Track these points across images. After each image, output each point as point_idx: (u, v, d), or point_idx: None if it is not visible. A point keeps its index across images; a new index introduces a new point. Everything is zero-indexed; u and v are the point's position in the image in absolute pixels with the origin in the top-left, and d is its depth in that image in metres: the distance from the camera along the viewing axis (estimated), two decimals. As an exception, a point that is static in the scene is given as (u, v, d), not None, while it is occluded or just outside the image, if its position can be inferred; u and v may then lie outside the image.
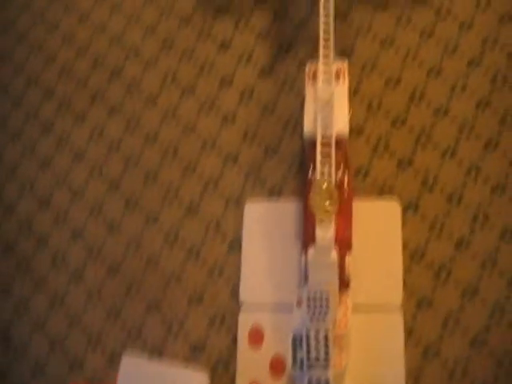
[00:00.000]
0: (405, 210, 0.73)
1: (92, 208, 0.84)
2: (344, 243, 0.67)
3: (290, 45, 0.85)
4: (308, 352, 0.59)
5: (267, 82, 0.84)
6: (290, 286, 0.71)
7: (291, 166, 0.78)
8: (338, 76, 0.72)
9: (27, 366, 0.79)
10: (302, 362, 0.59)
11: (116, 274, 0.80)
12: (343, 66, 0.74)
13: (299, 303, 0.65)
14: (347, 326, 0.65)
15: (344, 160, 0.70)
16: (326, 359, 0.59)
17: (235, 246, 0.76)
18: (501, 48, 0.78)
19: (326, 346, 0.59)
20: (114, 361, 0.75)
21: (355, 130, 0.77)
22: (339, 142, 0.68)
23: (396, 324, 0.68)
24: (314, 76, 0.72)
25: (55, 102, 0.92)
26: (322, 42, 0.71)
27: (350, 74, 0.73)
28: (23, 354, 0.80)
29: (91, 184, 0.85)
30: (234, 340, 0.72)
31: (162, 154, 0.83)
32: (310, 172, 0.68)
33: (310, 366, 0.59)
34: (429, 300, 0.70)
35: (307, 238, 0.67)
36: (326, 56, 0.71)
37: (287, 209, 0.75)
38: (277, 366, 0.69)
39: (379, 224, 0.72)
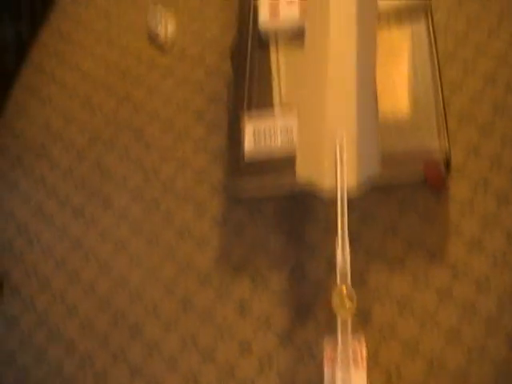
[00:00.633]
0: None
1: None
2: None
3: (309, 307, 0.88)
4: None
5: (286, 350, 0.86)
6: None
7: None
8: (355, 361, 0.74)
9: None
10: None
11: None
12: (360, 347, 0.75)
13: None
14: None
15: None
16: None
17: None
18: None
19: None
20: None
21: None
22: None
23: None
24: (332, 357, 0.74)
25: (76, 358, 0.93)
26: (339, 320, 0.73)
27: (367, 340, 0.75)
28: None
29: None
30: None
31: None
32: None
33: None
34: None
35: None
36: (343, 342, 0.73)
37: None
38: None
39: None
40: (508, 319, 0.81)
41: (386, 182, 0.86)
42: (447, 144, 0.86)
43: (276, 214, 0.94)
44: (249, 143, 0.93)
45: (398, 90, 0.93)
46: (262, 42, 1.01)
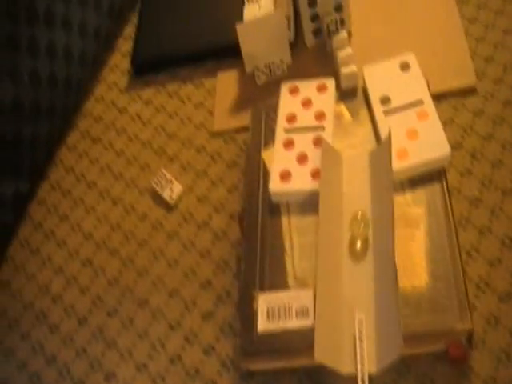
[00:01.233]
0: None
1: None
2: None
3: None
4: None
5: None
6: None
7: None
8: None
9: None
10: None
11: None
12: None
13: None
14: None
15: None
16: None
17: None
18: None
19: None
20: None
21: None
22: None
23: None
24: None
25: None
26: None
27: None
28: None
29: None
30: None
31: None
32: None
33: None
34: None
35: None
36: None
37: None
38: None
39: None
40: None
41: (406, 354, 0.84)
42: (470, 321, 0.85)
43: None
44: (262, 321, 0.92)
45: (415, 262, 0.92)
46: (273, 208, 1.01)
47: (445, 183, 0.97)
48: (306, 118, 1.07)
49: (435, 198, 0.96)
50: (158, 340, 1.04)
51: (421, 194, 0.97)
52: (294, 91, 1.11)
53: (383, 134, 1.01)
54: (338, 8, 1.22)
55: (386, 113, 1.03)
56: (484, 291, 0.95)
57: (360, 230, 0.94)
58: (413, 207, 0.97)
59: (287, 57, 1.24)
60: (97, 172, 1.29)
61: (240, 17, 1.29)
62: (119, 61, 1.46)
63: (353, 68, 1.12)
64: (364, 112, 1.07)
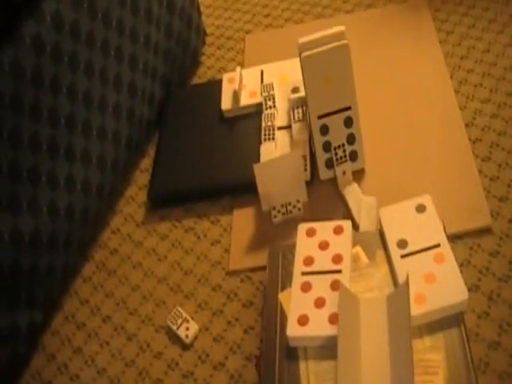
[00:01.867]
0: None
1: None
2: None
3: None
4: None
5: None
6: None
7: None
8: None
9: None
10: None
11: None
12: None
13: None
14: None
15: None
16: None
17: None
18: None
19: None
20: None
21: None
22: None
23: None
24: None
25: None
26: None
27: None
28: None
29: None
30: None
31: None
32: None
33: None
34: None
35: None
36: None
37: None
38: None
39: None
40: None
41: None
42: None
43: None
44: None
45: None
46: (290, 351, 1.00)
47: (463, 327, 0.97)
48: (323, 260, 1.08)
49: (454, 343, 0.96)
50: None
51: (439, 338, 0.97)
52: (311, 233, 1.13)
53: (400, 277, 1.02)
54: (351, 140, 1.25)
55: (403, 256, 1.04)
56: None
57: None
58: (431, 353, 0.96)
59: (303, 196, 1.26)
60: (112, 306, 1.29)
61: (256, 154, 1.32)
62: (135, 193, 1.48)
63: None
64: (380, 253, 1.08)
